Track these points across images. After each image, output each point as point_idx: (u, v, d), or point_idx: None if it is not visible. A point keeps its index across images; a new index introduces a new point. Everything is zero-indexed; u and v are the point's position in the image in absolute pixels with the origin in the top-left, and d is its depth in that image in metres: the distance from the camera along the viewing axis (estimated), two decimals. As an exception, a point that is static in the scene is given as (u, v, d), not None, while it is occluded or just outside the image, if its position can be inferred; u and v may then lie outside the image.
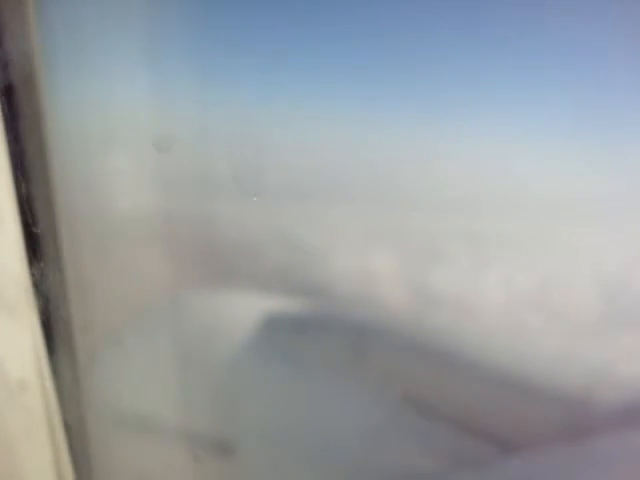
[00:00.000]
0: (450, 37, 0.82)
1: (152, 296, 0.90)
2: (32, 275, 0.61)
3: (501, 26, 0.82)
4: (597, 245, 0.94)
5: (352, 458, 0.98)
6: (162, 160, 0.78)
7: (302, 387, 1.00)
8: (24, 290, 0.60)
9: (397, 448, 0.98)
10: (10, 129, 0.59)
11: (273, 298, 1.01)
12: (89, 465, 0.70)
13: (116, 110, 0.75)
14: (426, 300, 0.99)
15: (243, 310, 1.03)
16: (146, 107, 0.75)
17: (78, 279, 0.68)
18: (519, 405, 1.01)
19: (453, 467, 1.00)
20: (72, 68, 0.68)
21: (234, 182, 0.76)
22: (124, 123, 0.77)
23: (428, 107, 0.87)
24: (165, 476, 0.93)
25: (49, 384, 0.63)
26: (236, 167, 0.82)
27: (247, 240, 0.96)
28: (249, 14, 0.79)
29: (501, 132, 0.88)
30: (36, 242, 0.62)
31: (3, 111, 0.58)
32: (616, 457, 1.00)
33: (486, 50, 0.83)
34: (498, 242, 0.94)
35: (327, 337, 1.01)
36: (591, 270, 0.98)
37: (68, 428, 0.66)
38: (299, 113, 0.85)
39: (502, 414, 1.01)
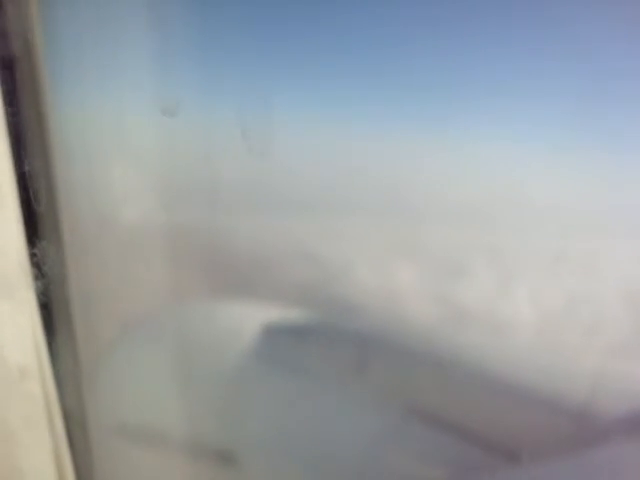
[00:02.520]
0: (453, 47, 0.83)
1: (154, 293, 0.89)
2: (32, 256, 0.60)
3: (501, 35, 0.82)
4: (621, 258, 0.94)
5: (355, 469, 0.96)
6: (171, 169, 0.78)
7: (305, 397, 0.99)
8: (24, 272, 0.58)
9: (401, 458, 0.97)
10: (10, 107, 0.58)
11: (277, 308, 1.00)
12: (89, 457, 0.68)
13: (120, 120, 0.75)
14: (438, 311, 0.99)
15: (246, 320, 1.02)
16: (151, 93, 0.74)
17: (80, 265, 0.66)
18: (523, 415, 1.00)
19: (457, 477, 0.99)
20: (75, 55, 0.68)
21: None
22: (127, 109, 0.76)
23: (449, 120, 0.87)
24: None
25: (48, 371, 0.61)
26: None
27: (258, 251, 0.96)
28: (255, 13, 0.79)
29: (521, 145, 0.88)
30: (36, 222, 0.61)
31: (3, 87, 0.57)
32: (619, 467, 0.98)
33: (498, 61, 0.83)
34: (520, 256, 0.94)
35: (331, 347, 1.00)
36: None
37: (67, 417, 0.64)
38: (316, 124, 0.85)
39: (506, 424, 1.00)
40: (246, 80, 0.80)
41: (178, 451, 0.92)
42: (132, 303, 0.86)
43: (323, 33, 0.82)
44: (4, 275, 0.58)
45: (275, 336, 1.01)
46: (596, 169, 0.87)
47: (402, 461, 0.97)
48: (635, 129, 0.84)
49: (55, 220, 0.61)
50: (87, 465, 0.67)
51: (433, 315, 0.99)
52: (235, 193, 0.85)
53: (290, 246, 0.97)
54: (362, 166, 0.87)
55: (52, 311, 0.63)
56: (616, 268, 0.96)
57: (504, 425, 1.00)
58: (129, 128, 0.73)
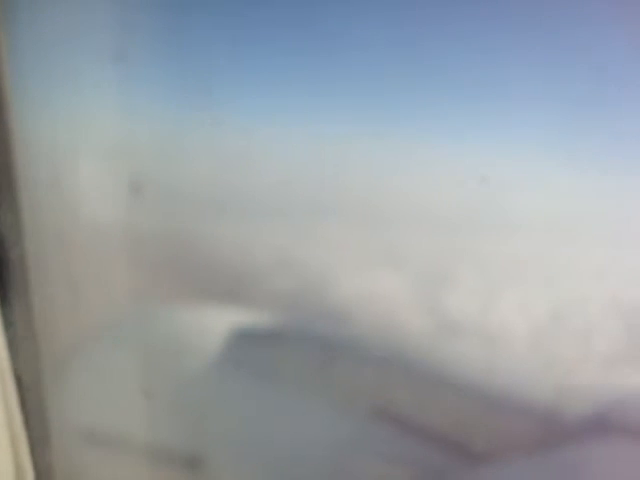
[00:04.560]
0: (442, 49, 0.83)
1: (121, 296, 0.89)
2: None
3: (492, 37, 0.82)
4: (611, 266, 0.95)
5: (322, 472, 0.97)
6: (136, 171, 0.78)
7: (271, 401, 0.99)
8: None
9: (367, 461, 0.98)
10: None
11: (243, 311, 1.00)
12: (49, 460, 0.68)
13: (84, 118, 0.74)
14: (419, 318, 0.99)
15: (213, 324, 1.02)
16: (116, 116, 0.74)
17: (41, 268, 0.66)
18: (489, 417, 1.01)
19: (422, 479, 1.00)
20: (40, 77, 0.68)
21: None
22: (92, 129, 0.76)
23: (437, 126, 0.87)
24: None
25: (8, 373, 0.61)
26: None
27: (234, 256, 0.95)
28: (221, 16, 0.79)
29: (509, 150, 0.88)
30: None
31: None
32: (583, 467, 1.00)
33: (489, 66, 0.83)
34: (507, 264, 0.95)
35: (297, 351, 1.01)
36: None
37: (28, 420, 0.64)
38: (301, 130, 0.85)
39: (472, 425, 1.01)
40: (219, 80, 0.80)
41: (143, 455, 0.91)
42: (97, 305, 0.85)
43: (292, 33, 0.82)
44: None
45: (242, 340, 1.01)
46: (586, 176, 0.87)
47: (368, 463, 0.97)
48: (627, 136, 0.85)
49: (17, 221, 0.61)
50: (47, 468, 0.66)
51: (414, 321, 1.00)
52: (211, 196, 0.85)
53: (268, 252, 0.97)
54: (345, 172, 0.87)
55: (13, 312, 0.62)
56: (606, 277, 0.97)
57: (470, 426, 1.00)
58: (94, 128, 0.73)
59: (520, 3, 0.78)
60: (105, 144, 0.75)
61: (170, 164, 0.84)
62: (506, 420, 1.00)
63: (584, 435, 1.00)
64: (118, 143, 0.74)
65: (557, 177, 0.87)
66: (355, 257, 0.96)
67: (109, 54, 0.69)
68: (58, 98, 0.69)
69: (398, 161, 0.88)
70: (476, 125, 0.87)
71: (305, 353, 1.01)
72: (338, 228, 0.93)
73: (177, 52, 0.78)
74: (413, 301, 0.97)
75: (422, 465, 1.00)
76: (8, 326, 0.62)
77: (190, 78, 0.79)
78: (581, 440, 1.01)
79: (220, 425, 0.96)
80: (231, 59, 0.80)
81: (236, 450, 0.97)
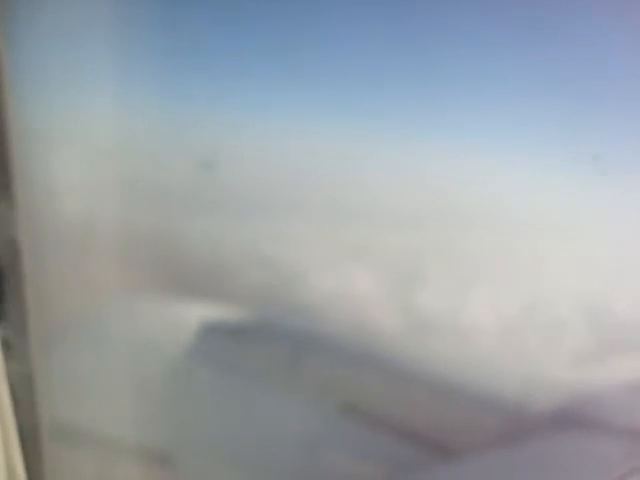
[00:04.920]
0: (439, 49, 0.83)
1: (99, 290, 0.89)
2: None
3: (487, 42, 0.82)
4: (578, 264, 0.97)
5: (291, 468, 0.97)
6: (126, 169, 0.78)
7: (241, 397, 1.00)
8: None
9: (335, 456, 0.98)
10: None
11: (213, 306, 1.00)
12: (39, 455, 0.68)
13: (80, 114, 0.74)
14: (389, 314, 1.00)
15: (184, 319, 1.02)
16: (111, 112, 0.74)
17: (35, 263, 0.66)
18: (456, 411, 1.02)
19: (392, 474, 1.00)
20: (38, 72, 0.68)
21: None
22: (88, 125, 0.76)
23: (413, 123, 0.87)
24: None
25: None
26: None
27: (209, 252, 0.95)
28: (216, 16, 0.79)
29: (484, 148, 0.89)
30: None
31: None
32: (550, 459, 1.02)
33: (476, 63, 0.84)
34: (476, 261, 0.95)
35: (267, 346, 1.01)
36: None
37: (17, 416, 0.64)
38: (273, 126, 0.85)
39: (440, 421, 1.02)
40: (200, 81, 0.80)
41: (114, 451, 0.91)
42: (81, 299, 0.86)
43: (289, 28, 0.82)
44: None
45: (212, 335, 1.01)
46: (555, 174, 0.88)
47: (338, 459, 0.98)
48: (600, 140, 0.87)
49: (11, 216, 0.61)
50: (38, 466, 0.67)
51: (384, 318, 1.01)
52: (189, 194, 0.85)
53: (239, 247, 0.97)
54: (316, 170, 0.88)
55: (6, 309, 0.63)
56: (574, 275, 0.98)
57: (439, 422, 1.02)
58: (85, 126, 0.73)
59: (520, 4, 0.79)
60: (98, 141, 0.75)
61: (145, 162, 0.84)
62: (475, 415, 1.01)
63: (550, 428, 1.03)
64: (107, 140, 0.75)
65: (530, 177, 0.89)
66: (326, 254, 0.97)
67: (107, 50, 0.69)
68: (56, 94, 0.69)
69: (369, 159, 0.88)
70: (447, 125, 0.88)
71: (275, 349, 1.01)
72: (309, 225, 0.93)
73: (174, 47, 0.78)
74: (383, 297, 0.98)
75: (392, 461, 1.01)
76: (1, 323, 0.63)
77: (187, 74, 0.80)
78: (548, 433, 1.03)
79: (189, 420, 0.96)
80: (230, 55, 0.80)
81: (205, 445, 0.97)
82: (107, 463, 0.91)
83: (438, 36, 0.82)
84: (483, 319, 1.00)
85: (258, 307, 0.98)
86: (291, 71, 0.85)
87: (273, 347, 1.01)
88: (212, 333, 1.01)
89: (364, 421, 1.00)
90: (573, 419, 1.04)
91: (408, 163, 0.90)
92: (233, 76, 0.83)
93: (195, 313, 1.01)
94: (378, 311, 1.00)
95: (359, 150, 0.86)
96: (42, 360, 0.72)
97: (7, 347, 0.63)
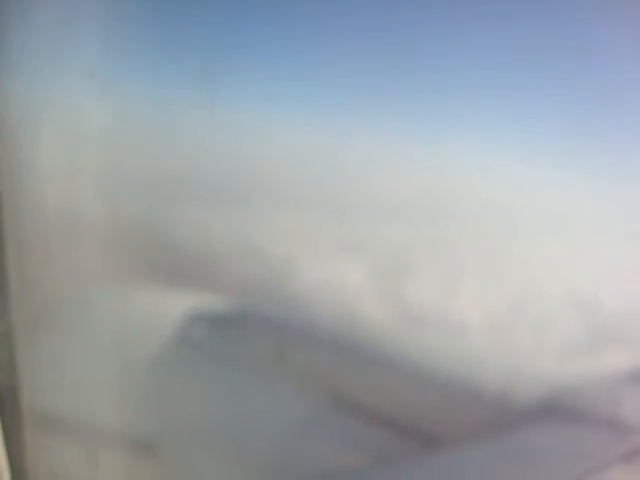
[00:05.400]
0: (440, 46, 0.83)
1: (79, 285, 0.88)
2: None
3: (493, 39, 0.82)
4: (566, 260, 0.97)
5: (277, 456, 0.97)
6: (113, 158, 0.77)
7: (228, 385, 1.00)
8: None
9: (321, 445, 0.99)
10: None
11: (203, 296, 1.00)
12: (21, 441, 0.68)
13: (64, 101, 0.74)
14: (376, 304, 1.00)
15: (171, 307, 1.01)
16: (97, 99, 0.74)
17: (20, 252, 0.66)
18: (442, 402, 1.03)
19: (377, 463, 1.01)
20: (22, 41, 0.67)
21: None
22: (73, 113, 0.75)
23: (403, 118, 0.87)
24: (86, 472, 0.90)
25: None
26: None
27: (199, 242, 0.95)
28: (207, 5, 0.78)
29: (475, 144, 0.89)
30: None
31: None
32: (534, 449, 1.03)
33: (477, 59, 0.84)
34: (465, 255, 0.95)
35: (254, 336, 1.01)
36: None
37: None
38: (265, 118, 0.85)
39: (425, 411, 1.02)
40: (188, 68, 0.79)
41: (98, 438, 0.91)
42: (66, 286, 0.85)
43: (288, 25, 0.82)
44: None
45: (201, 323, 1.01)
46: (546, 172, 0.89)
47: (324, 448, 0.98)
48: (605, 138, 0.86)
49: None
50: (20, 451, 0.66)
51: (372, 309, 1.01)
52: (176, 182, 0.85)
53: (230, 238, 0.97)
54: (307, 162, 0.88)
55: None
56: (562, 270, 0.99)
57: (424, 413, 1.02)
58: (72, 115, 0.72)
59: (521, 8, 0.79)
60: (84, 128, 0.74)
61: (141, 152, 0.83)
62: (461, 406, 1.02)
63: (535, 419, 1.03)
64: (94, 127, 0.74)
65: (519, 171, 0.89)
66: (315, 246, 0.97)
67: (93, 36, 0.68)
68: (40, 80, 0.68)
69: (360, 153, 0.88)
70: (439, 118, 0.88)
71: (263, 339, 1.01)
72: (299, 217, 0.93)
73: (163, 36, 0.77)
74: (372, 290, 0.98)
75: (378, 450, 1.01)
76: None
77: (180, 65, 0.79)
78: (532, 424, 1.04)
79: (175, 408, 0.96)
80: (222, 45, 0.79)
81: (190, 433, 0.97)
82: (91, 450, 0.91)
83: (438, 32, 0.81)
84: (471, 312, 1.00)
85: (247, 297, 0.98)
86: (286, 64, 0.84)
87: (261, 337, 1.01)
88: (200, 322, 1.01)
89: (351, 411, 1.00)
90: (557, 410, 1.04)
91: (398, 157, 0.90)
92: (225, 66, 0.82)
93: (183, 302, 1.01)
94: (367, 303, 1.00)
95: (350, 144, 0.86)
96: (25, 347, 0.71)
97: None
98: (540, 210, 0.92)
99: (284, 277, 0.97)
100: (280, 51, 0.83)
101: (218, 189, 0.89)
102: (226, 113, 0.81)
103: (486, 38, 0.83)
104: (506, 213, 0.91)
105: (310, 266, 0.97)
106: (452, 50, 0.83)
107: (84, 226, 0.82)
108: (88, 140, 0.77)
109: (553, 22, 0.81)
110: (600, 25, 0.81)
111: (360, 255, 0.98)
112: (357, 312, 1.01)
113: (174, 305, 1.01)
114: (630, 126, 0.85)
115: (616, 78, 0.84)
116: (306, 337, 1.01)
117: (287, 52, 0.83)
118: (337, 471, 0.98)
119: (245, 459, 0.97)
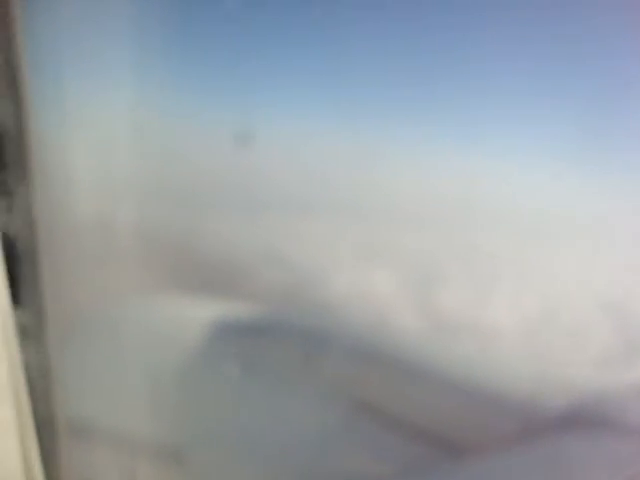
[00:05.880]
0: (449, 49, 0.83)
1: (110, 294, 0.89)
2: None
3: (499, 43, 0.82)
4: (599, 265, 0.96)
5: (303, 465, 0.97)
6: (142, 168, 0.78)
7: (254, 394, 1.00)
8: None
9: (349, 454, 0.98)
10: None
11: (231, 304, 1.00)
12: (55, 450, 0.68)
13: (96, 110, 0.74)
14: (406, 313, 1.00)
15: (201, 315, 1.02)
16: (129, 110, 0.74)
17: (52, 263, 0.66)
18: (472, 411, 1.02)
19: (405, 473, 1.01)
20: (56, 50, 0.67)
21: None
22: (104, 123, 0.76)
23: (431, 125, 0.86)
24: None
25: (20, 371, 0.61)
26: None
27: (229, 251, 0.95)
28: (237, 16, 0.78)
29: (506, 151, 0.89)
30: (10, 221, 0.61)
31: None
32: (564, 459, 1.02)
33: (489, 65, 0.84)
34: (497, 262, 0.95)
35: (281, 344, 1.01)
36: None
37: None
38: (294, 127, 0.85)
39: (455, 420, 1.02)
40: (219, 76, 0.80)
41: (129, 446, 0.91)
42: (97, 295, 0.86)
43: (296, 32, 0.82)
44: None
45: (229, 332, 1.02)
46: (580, 176, 0.88)
47: (353, 458, 0.98)
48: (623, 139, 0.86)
49: (30, 213, 0.61)
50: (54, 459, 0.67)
51: (402, 317, 1.01)
52: (204, 192, 0.85)
53: (258, 246, 0.97)
54: (336, 169, 0.87)
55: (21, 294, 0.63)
56: (595, 276, 0.98)
57: (454, 421, 1.02)
58: (102, 123, 0.73)
59: (526, 9, 0.79)
60: (114, 138, 0.75)
61: (166, 160, 0.84)
62: (491, 414, 1.01)
63: (565, 428, 1.03)
64: (124, 137, 0.74)
65: (547, 177, 0.88)
66: (344, 253, 0.97)
67: (126, 44, 0.69)
68: (74, 90, 0.69)
69: (390, 159, 0.88)
70: (467, 126, 0.88)
71: (290, 347, 1.01)
72: (327, 224, 0.93)
73: (194, 42, 0.78)
74: (402, 297, 0.98)
75: (405, 459, 1.01)
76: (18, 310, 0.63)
77: (211, 73, 0.79)
78: (562, 432, 1.03)
79: (203, 417, 0.96)
80: (252, 51, 0.79)
81: (218, 442, 0.97)
82: (122, 458, 0.91)
83: (462, 40, 0.81)
84: (503, 319, 1.00)
85: (274, 306, 0.98)
86: (309, 72, 0.84)
87: (289, 346, 1.01)
88: (228, 331, 1.01)
89: (380, 420, 1.00)
90: (590, 419, 1.04)
91: (429, 164, 0.90)
92: (255, 74, 0.82)
93: (211, 311, 1.01)
94: (397, 311, 0.99)
95: (379, 150, 0.86)
96: (59, 353, 0.72)
97: (24, 336, 0.63)
98: (573, 218, 0.91)
99: (313, 285, 0.97)
100: (301, 57, 0.84)
101: (245, 198, 0.89)
102: (253, 121, 0.81)
103: (509, 46, 0.83)
104: (538, 220, 0.91)
105: (339, 274, 0.97)
106: (475, 56, 0.83)
107: (114, 236, 0.82)
108: (118, 151, 0.77)
109: (571, 28, 0.80)
110: (616, 30, 0.80)
111: (390, 263, 0.97)
112: (387, 320, 1.00)
113: (202, 314, 1.01)
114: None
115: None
116: (335, 345, 1.01)
117: (308, 59, 0.84)
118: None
119: (273, 468, 0.97)
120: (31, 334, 0.65)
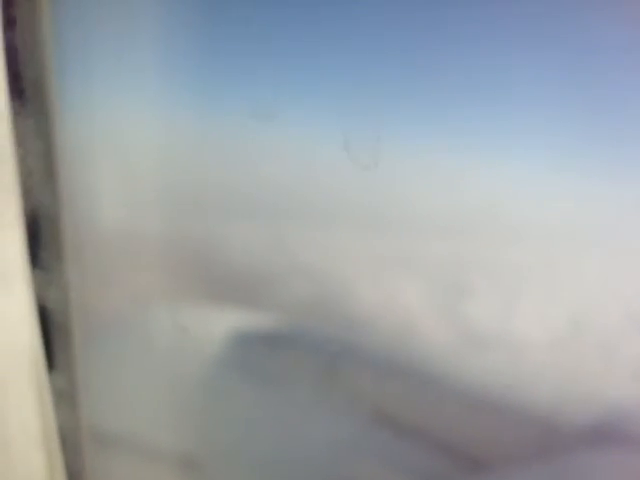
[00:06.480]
0: (449, 54, 0.82)
1: (133, 303, 0.88)
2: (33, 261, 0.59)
3: (498, 42, 0.81)
4: (629, 275, 0.95)
5: (322, 476, 0.96)
6: (168, 176, 0.78)
7: (273, 405, 0.99)
8: (23, 274, 0.58)
9: (369, 467, 0.98)
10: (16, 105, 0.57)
11: (252, 315, 1.00)
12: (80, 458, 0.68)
13: (122, 120, 0.74)
14: (431, 325, 0.99)
15: (219, 327, 1.01)
16: (153, 118, 0.74)
17: (79, 274, 0.66)
18: (491, 423, 1.01)
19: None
20: (82, 56, 0.67)
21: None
22: (129, 133, 0.76)
23: (459, 132, 0.85)
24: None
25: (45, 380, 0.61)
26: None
27: (251, 262, 0.95)
28: (266, 19, 0.77)
29: (530, 161, 0.86)
30: (38, 229, 0.60)
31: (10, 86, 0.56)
32: (585, 475, 1.01)
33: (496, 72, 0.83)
34: (525, 274, 0.94)
35: (303, 355, 1.00)
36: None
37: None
38: (315, 135, 0.84)
39: (475, 432, 1.01)
40: (244, 82, 0.79)
41: (145, 457, 0.91)
42: (120, 305, 0.85)
43: (294, 33, 0.81)
44: (3, 274, 0.58)
45: (250, 343, 1.01)
46: (603, 186, 0.87)
47: (370, 469, 0.97)
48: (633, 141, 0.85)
49: (56, 225, 0.61)
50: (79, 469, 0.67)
51: (428, 329, 1.00)
52: (228, 200, 0.84)
53: (282, 256, 0.96)
54: (362, 178, 0.86)
55: (49, 315, 0.62)
56: (623, 288, 0.97)
57: (471, 433, 1.01)
58: (129, 134, 0.72)
59: (523, 8, 0.78)
60: (139, 148, 0.75)
61: (191, 167, 0.83)
62: (515, 428, 1.00)
63: (592, 443, 1.01)
64: (153, 151, 0.74)
65: (573, 186, 0.87)
66: (370, 264, 0.96)
67: (152, 53, 0.68)
68: (100, 100, 0.68)
69: (414, 168, 0.87)
70: (489, 134, 0.87)
71: (312, 358, 1.00)
72: (351, 234, 0.92)
73: (217, 55, 0.77)
74: (428, 309, 0.97)
75: (425, 472, 1.00)
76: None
77: (228, 75, 0.78)
78: (589, 448, 1.02)
79: (223, 427, 0.96)
80: (280, 57, 0.79)
81: (238, 452, 0.97)
82: (144, 468, 0.91)
83: (445, 44, 0.80)
84: (531, 331, 0.98)
85: (299, 317, 0.97)
86: (324, 76, 0.83)
87: (310, 356, 1.00)
88: (250, 341, 1.00)
89: (398, 431, 0.99)
90: (615, 435, 1.02)
91: (454, 173, 0.89)
92: (279, 80, 0.81)
93: (234, 321, 1.00)
94: (423, 322, 0.98)
95: (403, 159, 0.85)
96: (84, 362, 0.71)
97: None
98: (598, 228, 0.90)
99: (337, 296, 0.96)
100: (324, 67, 0.83)
101: (271, 208, 0.89)
102: (279, 131, 0.80)
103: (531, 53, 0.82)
104: (568, 231, 0.89)
105: (364, 285, 0.96)
106: (502, 64, 0.82)
107: (138, 245, 0.82)
108: (144, 160, 0.77)
109: (574, 26, 0.79)
110: (616, 30, 0.79)
111: (416, 274, 0.96)
112: (412, 332, 0.99)
113: (225, 324, 1.01)
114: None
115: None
116: (359, 357, 1.00)
117: (330, 67, 0.83)
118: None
119: (291, 479, 0.96)
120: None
